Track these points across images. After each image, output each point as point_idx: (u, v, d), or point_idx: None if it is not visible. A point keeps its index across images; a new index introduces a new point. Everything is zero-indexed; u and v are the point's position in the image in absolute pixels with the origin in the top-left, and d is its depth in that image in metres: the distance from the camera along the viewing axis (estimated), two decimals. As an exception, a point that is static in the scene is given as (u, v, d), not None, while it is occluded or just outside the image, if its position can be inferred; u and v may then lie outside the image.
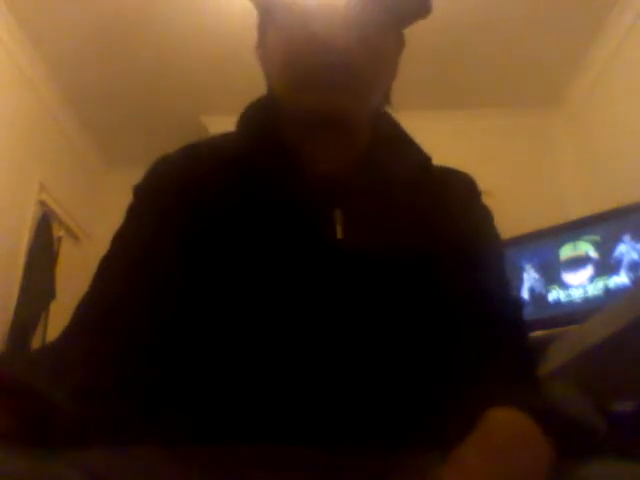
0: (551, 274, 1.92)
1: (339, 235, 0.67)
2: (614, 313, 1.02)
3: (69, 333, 0.65)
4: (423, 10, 0.74)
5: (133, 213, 0.73)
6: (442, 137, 3.05)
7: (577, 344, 1.14)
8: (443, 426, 0.54)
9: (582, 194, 3.52)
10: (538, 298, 1.92)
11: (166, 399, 0.62)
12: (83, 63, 3.42)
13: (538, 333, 1.55)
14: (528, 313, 0.72)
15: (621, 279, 1.76)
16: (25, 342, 3.16)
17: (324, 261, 0.65)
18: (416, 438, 0.58)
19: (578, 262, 1.86)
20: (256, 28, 0.77)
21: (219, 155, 0.73)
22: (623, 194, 2.27)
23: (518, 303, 0.73)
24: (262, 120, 0.75)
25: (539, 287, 1.93)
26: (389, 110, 0.79)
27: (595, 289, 1.81)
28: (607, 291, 1.78)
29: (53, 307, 3.44)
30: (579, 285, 1.85)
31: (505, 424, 0.53)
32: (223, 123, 0.89)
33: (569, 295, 1.87)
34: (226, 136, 0.77)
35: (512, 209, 2.60)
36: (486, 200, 0.79)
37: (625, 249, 1.76)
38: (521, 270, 1.96)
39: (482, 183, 0.80)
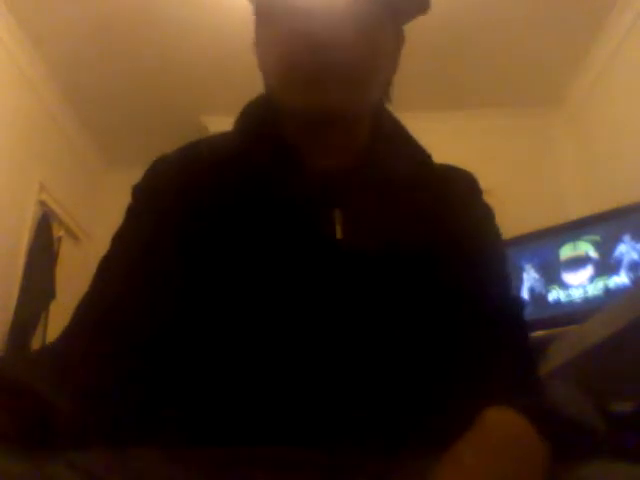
0: (551, 274, 1.91)
1: (339, 235, 0.66)
2: (614, 313, 1.02)
3: (69, 333, 0.65)
4: (422, 5, 0.73)
5: (132, 213, 0.73)
6: (442, 137, 3.04)
7: (577, 344, 1.14)
8: (443, 426, 0.53)
9: (582, 194, 3.52)
10: (538, 298, 1.92)
11: (166, 399, 0.62)
12: (83, 63, 3.42)
13: (538, 333, 1.54)
14: (528, 313, 0.72)
15: (621, 279, 1.76)
16: (25, 342, 3.16)
17: (324, 261, 0.65)
18: (416, 438, 0.58)
19: (578, 262, 1.86)
20: (252, 25, 0.76)
21: (218, 154, 0.73)
22: (623, 194, 2.27)
23: (519, 302, 0.72)
24: (261, 118, 0.74)
25: (539, 287, 1.93)
26: (389, 108, 0.79)
27: (595, 289, 1.81)
28: (607, 291, 1.78)
29: (53, 307, 3.44)
30: (579, 285, 1.85)
31: (499, 424, 0.52)
32: (223, 123, 0.89)
33: (569, 295, 1.87)
34: (225, 135, 0.76)
35: (512, 209, 2.59)
36: (486, 200, 0.79)
37: (625, 249, 1.76)
38: (521, 270, 1.95)
39: (482, 183, 0.80)
